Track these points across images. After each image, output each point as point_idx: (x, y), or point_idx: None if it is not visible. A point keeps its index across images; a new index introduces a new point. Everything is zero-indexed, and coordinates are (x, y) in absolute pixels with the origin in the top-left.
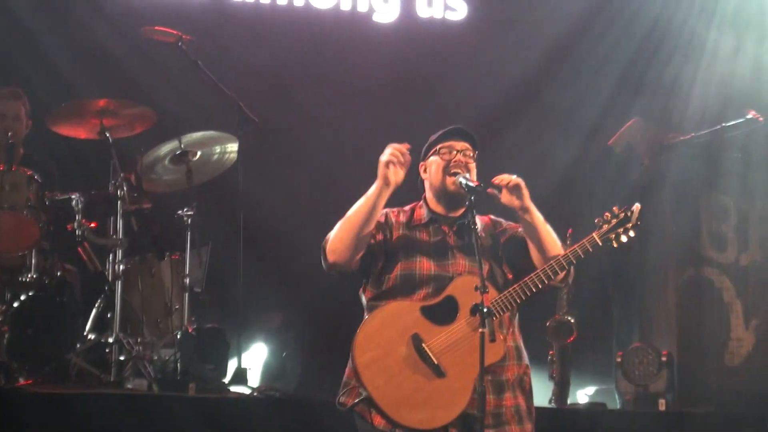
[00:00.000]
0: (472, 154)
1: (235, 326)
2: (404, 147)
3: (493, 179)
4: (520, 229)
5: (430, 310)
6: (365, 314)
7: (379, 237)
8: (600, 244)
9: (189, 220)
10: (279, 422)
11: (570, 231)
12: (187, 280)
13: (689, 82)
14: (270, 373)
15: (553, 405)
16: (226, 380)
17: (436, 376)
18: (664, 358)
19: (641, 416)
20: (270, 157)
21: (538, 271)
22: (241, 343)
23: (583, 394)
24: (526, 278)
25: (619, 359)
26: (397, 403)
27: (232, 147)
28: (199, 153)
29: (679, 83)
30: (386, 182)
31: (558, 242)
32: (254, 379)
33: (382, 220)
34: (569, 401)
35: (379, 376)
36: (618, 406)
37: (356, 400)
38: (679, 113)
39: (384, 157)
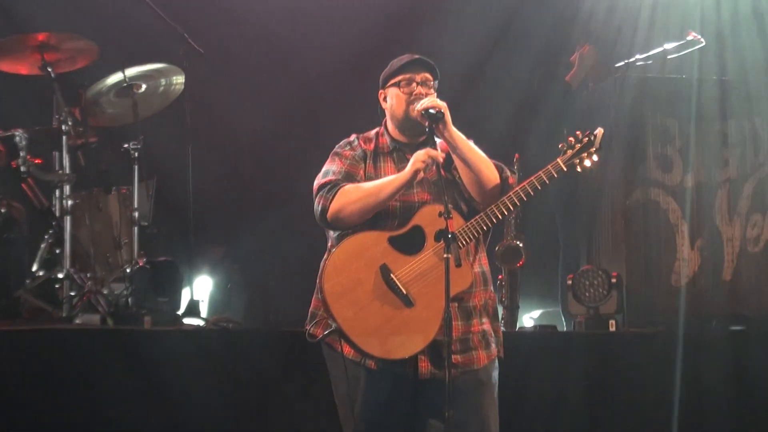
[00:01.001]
0: (432, 84)
1: (185, 258)
2: (440, 157)
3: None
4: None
5: (398, 240)
6: (331, 246)
7: (360, 173)
8: (565, 169)
9: (136, 154)
10: (232, 352)
11: (517, 156)
12: (136, 214)
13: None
14: (216, 305)
15: (503, 329)
16: (180, 312)
17: (405, 306)
18: (613, 280)
19: (593, 337)
20: (218, 89)
21: (504, 198)
22: (192, 275)
23: (528, 318)
24: (491, 206)
25: (569, 282)
26: (366, 333)
27: (178, 79)
28: (144, 86)
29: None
30: (416, 177)
31: (488, 162)
32: (204, 311)
33: (357, 150)
34: (518, 325)
35: (349, 307)
36: (565, 329)
37: (326, 332)
38: (626, 38)
39: (422, 156)
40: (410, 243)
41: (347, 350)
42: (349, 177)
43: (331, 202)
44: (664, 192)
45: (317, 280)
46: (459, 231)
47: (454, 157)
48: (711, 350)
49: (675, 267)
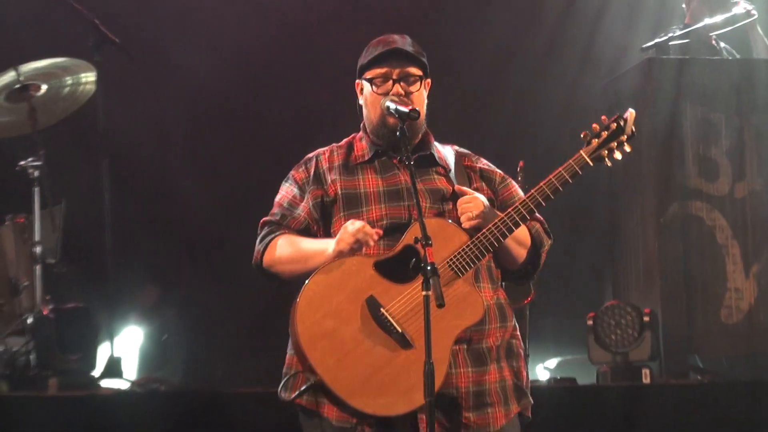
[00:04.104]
0: (417, 79)
1: (103, 305)
2: (375, 235)
3: (457, 188)
4: (516, 196)
5: (386, 265)
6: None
7: (313, 199)
8: (590, 163)
9: (36, 173)
10: (165, 421)
11: (521, 164)
12: (38, 249)
13: None
14: (148, 362)
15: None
16: (96, 373)
17: (401, 348)
18: (646, 318)
19: (621, 391)
20: (137, 87)
21: (517, 204)
22: (113, 325)
23: (542, 368)
24: (503, 215)
25: (590, 322)
26: (356, 386)
27: (88, 77)
28: (44, 87)
29: None
30: (342, 254)
31: (526, 233)
32: (130, 371)
33: (311, 170)
34: (530, 377)
35: (330, 354)
36: (591, 381)
37: (302, 387)
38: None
39: (347, 237)
40: (402, 268)
41: (329, 412)
42: (288, 213)
43: (262, 256)
44: (709, 205)
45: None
46: (458, 253)
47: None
48: None
49: (725, 300)
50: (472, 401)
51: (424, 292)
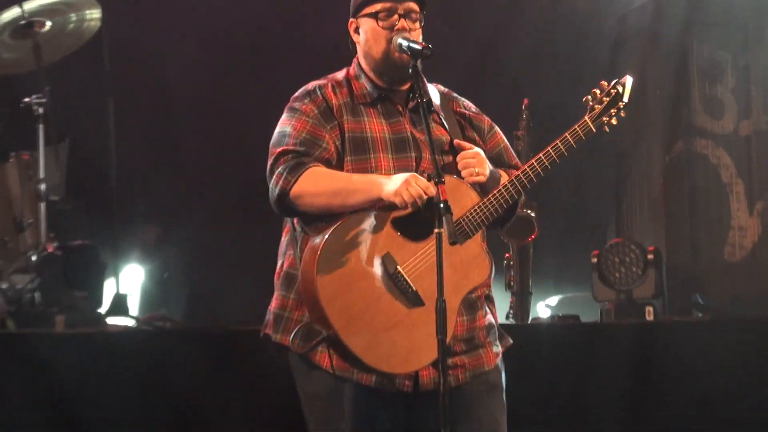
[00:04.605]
0: (418, 17)
1: (107, 243)
2: (430, 192)
3: (456, 142)
4: (501, 144)
5: (403, 222)
6: (293, 237)
7: (327, 136)
8: (594, 129)
9: (41, 110)
10: (171, 357)
11: (526, 102)
12: (42, 186)
13: None
14: (149, 301)
15: (512, 321)
16: (103, 310)
17: (414, 306)
18: (650, 256)
19: (625, 329)
20: (144, 25)
21: (524, 167)
22: (117, 263)
23: (543, 306)
24: (512, 177)
25: (594, 260)
26: (371, 342)
27: (93, 13)
28: (48, 23)
29: None
30: (390, 205)
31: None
32: (133, 308)
33: (321, 104)
34: (531, 315)
35: (348, 309)
36: (594, 318)
37: (315, 341)
38: None
39: (405, 193)
40: (418, 225)
41: (336, 362)
42: (312, 144)
43: (293, 185)
44: (714, 143)
45: (279, 272)
46: (469, 213)
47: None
48: None
49: (729, 237)
50: (465, 346)
51: (436, 230)
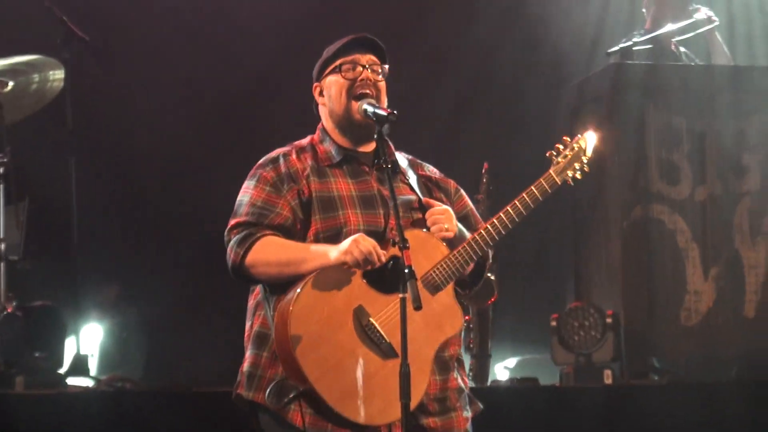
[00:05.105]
0: (380, 70)
1: (67, 302)
2: (384, 258)
3: (425, 200)
4: (468, 206)
5: (374, 275)
6: (264, 298)
7: (294, 198)
8: (559, 182)
9: (1, 169)
10: (132, 419)
11: (486, 166)
12: (2, 246)
13: None
14: (109, 361)
15: (471, 383)
16: (63, 371)
17: (388, 358)
18: (608, 320)
19: (583, 392)
20: (107, 86)
21: (493, 220)
22: (78, 323)
23: (502, 368)
24: (482, 228)
25: (554, 323)
26: (346, 395)
27: (56, 74)
28: (11, 83)
29: None
30: (345, 264)
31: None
32: (94, 368)
33: (282, 170)
34: (490, 377)
35: (321, 363)
36: (552, 380)
37: (290, 396)
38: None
39: (356, 251)
40: (389, 278)
41: (309, 420)
42: (267, 211)
43: (243, 258)
44: (670, 209)
45: (250, 332)
46: (440, 265)
47: None
48: (730, 404)
49: (685, 302)
50: (437, 407)
51: (401, 294)
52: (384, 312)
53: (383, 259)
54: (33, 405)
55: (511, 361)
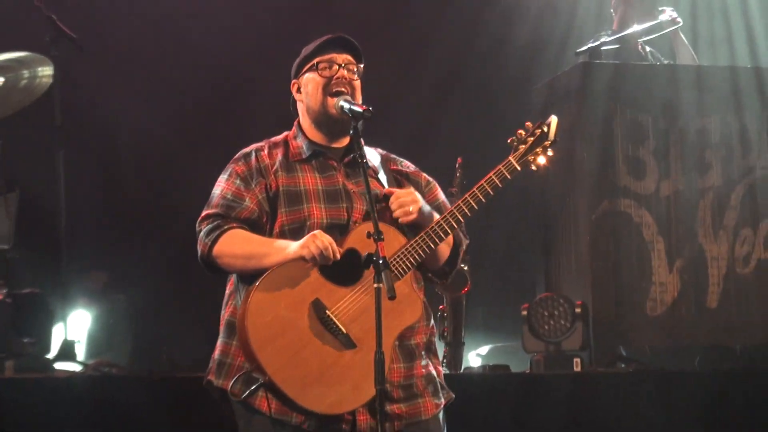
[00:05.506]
0: (356, 69)
1: (56, 290)
2: (338, 255)
3: (387, 190)
4: (440, 198)
5: (331, 268)
6: (236, 288)
7: (262, 192)
8: (519, 168)
9: None
10: (117, 403)
11: (460, 160)
12: None
13: None
14: (96, 346)
15: (445, 370)
16: (51, 356)
17: (345, 349)
18: (578, 310)
19: (553, 378)
20: (95, 82)
21: (452, 209)
22: (66, 310)
23: (474, 355)
24: (439, 218)
25: (524, 312)
26: (304, 385)
27: (45, 70)
28: (0, 79)
29: None
30: (302, 259)
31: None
32: (81, 354)
33: (253, 165)
34: (463, 365)
35: (279, 354)
36: (524, 368)
37: (252, 387)
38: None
39: (312, 247)
40: (346, 271)
41: (274, 407)
42: (235, 204)
43: (210, 249)
44: (637, 203)
45: (222, 320)
46: (397, 255)
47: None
48: (693, 392)
49: (651, 293)
50: (402, 393)
51: (375, 285)
52: (341, 304)
53: (338, 255)
54: (22, 388)
55: (484, 349)
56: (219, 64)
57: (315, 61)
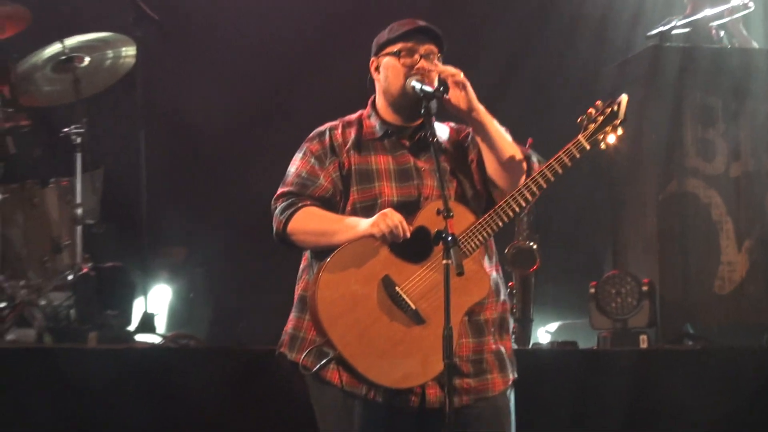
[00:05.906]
0: (437, 58)
1: (138, 264)
2: (408, 234)
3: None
4: None
5: (401, 245)
6: (309, 263)
7: (335, 170)
8: (588, 147)
9: (78, 139)
10: (195, 375)
11: (530, 141)
12: (79, 211)
13: None
14: (176, 319)
15: (514, 345)
16: (132, 328)
17: (415, 324)
18: (644, 288)
19: (620, 355)
20: (176, 63)
21: (520, 187)
22: (147, 283)
23: (543, 332)
24: (503, 200)
25: (592, 290)
26: (373, 359)
27: (128, 51)
28: (87, 59)
29: None
30: (372, 237)
31: (514, 145)
32: (160, 326)
33: (327, 144)
34: (532, 341)
35: (349, 330)
36: (591, 344)
37: (322, 362)
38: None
39: (383, 225)
40: (416, 248)
41: (346, 379)
42: (309, 182)
43: (285, 226)
44: (706, 184)
45: (296, 295)
46: (466, 233)
47: (477, 139)
48: (760, 369)
49: (719, 272)
50: (471, 368)
51: (444, 261)
52: (410, 281)
53: (407, 233)
54: (104, 359)
55: (553, 326)
56: (295, 47)
57: (397, 47)
